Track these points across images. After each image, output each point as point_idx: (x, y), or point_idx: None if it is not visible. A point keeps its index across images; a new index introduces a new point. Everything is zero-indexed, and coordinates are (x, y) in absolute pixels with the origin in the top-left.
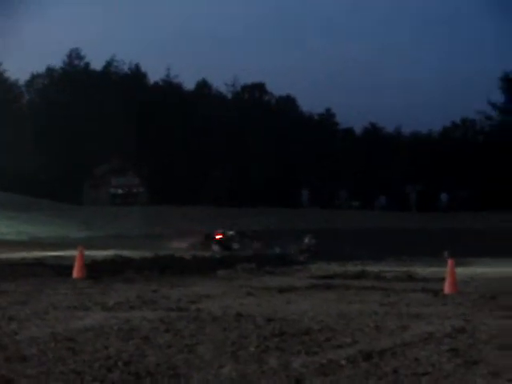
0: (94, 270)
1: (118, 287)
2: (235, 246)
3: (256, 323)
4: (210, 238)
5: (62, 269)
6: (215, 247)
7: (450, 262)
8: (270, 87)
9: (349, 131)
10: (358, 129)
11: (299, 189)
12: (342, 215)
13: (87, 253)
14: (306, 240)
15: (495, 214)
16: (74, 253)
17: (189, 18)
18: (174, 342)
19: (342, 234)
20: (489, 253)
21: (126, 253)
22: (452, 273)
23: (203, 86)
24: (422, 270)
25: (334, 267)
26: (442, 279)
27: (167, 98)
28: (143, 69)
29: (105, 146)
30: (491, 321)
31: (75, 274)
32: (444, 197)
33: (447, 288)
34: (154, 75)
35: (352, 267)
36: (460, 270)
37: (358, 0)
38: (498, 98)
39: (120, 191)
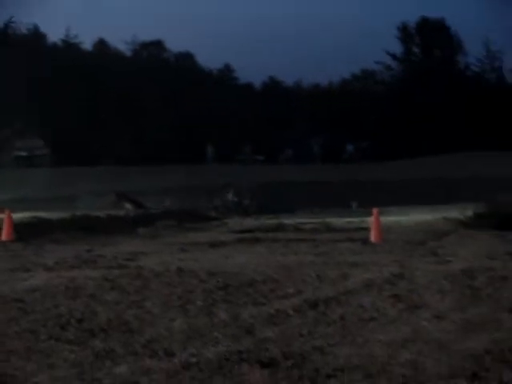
0: (19, 232)
1: (51, 248)
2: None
3: (199, 277)
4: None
5: None
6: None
7: (375, 211)
8: (168, 44)
9: (248, 86)
10: (258, 84)
11: (203, 146)
12: (248, 170)
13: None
14: (229, 196)
15: (396, 164)
16: None
17: None
18: (120, 298)
19: (250, 189)
20: (394, 202)
21: (40, 215)
22: (377, 222)
23: (101, 45)
24: (336, 221)
25: (250, 221)
26: (360, 229)
27: (67, 59)
28: (42, 30)
29: (6, 108)
30: (425, 265)
31: (4, 236)
32: (349, 148)
33: (373, 237)
34: (53, 36)
35: (267, 220)
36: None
37: None
38: (397, 48)
39: (24, 154)
